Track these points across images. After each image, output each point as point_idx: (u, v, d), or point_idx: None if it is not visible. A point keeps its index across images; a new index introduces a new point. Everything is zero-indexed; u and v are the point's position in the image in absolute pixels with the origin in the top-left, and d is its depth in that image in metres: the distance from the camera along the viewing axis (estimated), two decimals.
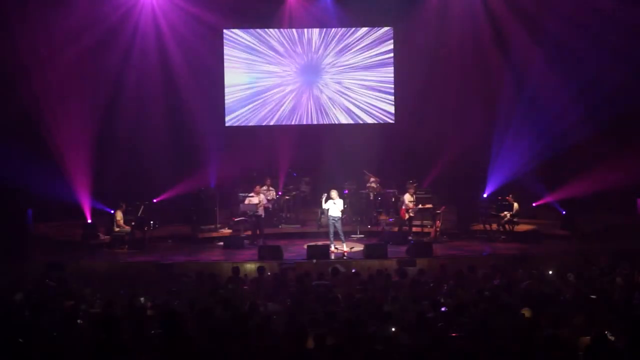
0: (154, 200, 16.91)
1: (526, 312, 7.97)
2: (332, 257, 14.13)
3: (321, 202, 14.61)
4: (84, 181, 16.65)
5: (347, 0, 19.30)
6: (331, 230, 14.42)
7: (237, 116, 19.98)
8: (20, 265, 13.44)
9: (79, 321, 7.87)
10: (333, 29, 19.80)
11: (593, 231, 15.97)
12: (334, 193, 14.51)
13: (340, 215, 14.44)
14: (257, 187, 15.63)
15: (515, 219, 15.61)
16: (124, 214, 15.26)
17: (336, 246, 14.48)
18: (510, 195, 15.73)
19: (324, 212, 16.50)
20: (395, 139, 19.30)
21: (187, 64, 18.98)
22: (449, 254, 14.24)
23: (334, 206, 14.38)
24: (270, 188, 16.58)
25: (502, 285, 9.88)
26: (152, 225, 15.25)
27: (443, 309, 8.31)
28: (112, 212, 15.77)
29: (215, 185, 17.34)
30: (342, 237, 14.48)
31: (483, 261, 12.83)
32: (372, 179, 17.35)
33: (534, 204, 17.45)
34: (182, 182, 17.52)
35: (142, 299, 9.32)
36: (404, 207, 15.70)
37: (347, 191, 17.03)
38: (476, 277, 10.88)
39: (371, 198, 17.09)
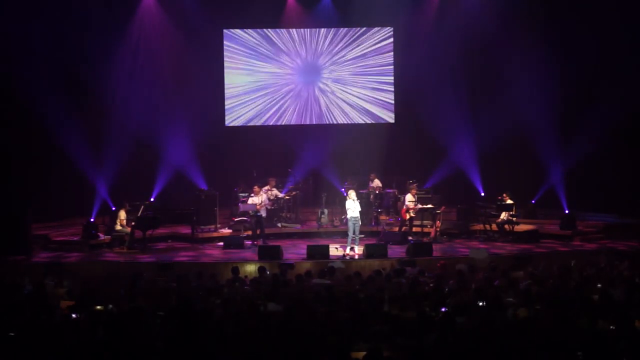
0: (152, 199, 16.98)
1: (522, 312, 7.98)
2: (345, 256, 14.13)
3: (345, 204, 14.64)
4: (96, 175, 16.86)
5: (347, 0, 19.31)
6: (351, 231, 14.35)
7: (237, 116, 19.98)
8: (20, 265, 13.47)
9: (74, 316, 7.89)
10: (333, 29, 19.81)
11: (593, 231, 15.99)
12: (352, 194, 14.52)
13: (359, 216, 14.44)
14: (257, 187, 15.61)
15: (514, 219, 15.61)
16: (127, 213, 15.25)
17: (352, 246, 14.45)
18: (505, 194, 15.74)
19: (325, 213, 16.61)
20: (395, 139, 19.30)
21: (187, 64, 19.00)
22: (449, 254, 14.24)
23: (355, 207, 14.37)
24: (273, 188, 16.56)
25: (502, 286, 9.88)
26: (154, 222, 15.22)
27: (443, 309, 8.31)
28: (114, 209, 15.85)
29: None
30: (357, 239, 14.44)
31: (484, 260, 12.83)
32: (375, 180, 17.39)
33: (533, 201, 17.51)
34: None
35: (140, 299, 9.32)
36: (405, 207, 15.73)
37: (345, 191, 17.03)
38: (476, 277, 10.88)
39: (371, 198, 17.09)
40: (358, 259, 13.96)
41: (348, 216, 14.47)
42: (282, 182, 17.46)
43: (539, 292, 9.18)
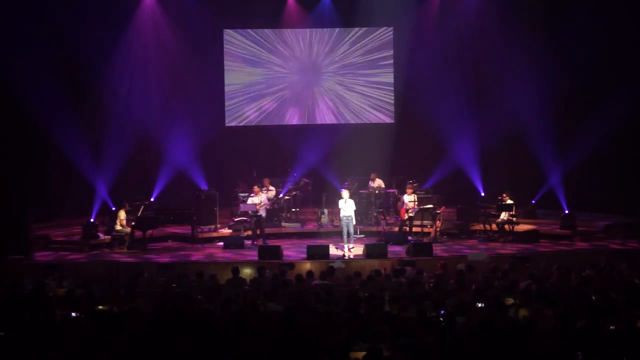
0: (152, 199, 16.98)
1: (523, 312, 7.98)
2: (344, 256, 14.13)
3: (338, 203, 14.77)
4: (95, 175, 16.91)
5: (347, 1, 19.30)
6: (344, 230, 14.45)
7: (237, 116, 19.98)
8: (20, 265, 13.48)
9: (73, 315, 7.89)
10: (333, 29, 19.79)
11: (592, 231, 15.99)
12: (345, 193, 14.59)
13: (352, 215, 14.48)
14: (257, 187, 15.66)
15: (514, 219, 15.61)
16: (127, 213, 15.27)
17: (349, 246, 14.48)
18: (505, 194, 15.73)
19: (325, 213, 16.63)
20: (395, 139, 19.30)
21: (187, 64, 18.99)
22: (449, 254, 14.24)
23: (346, 206, 14.42)
24: (270, 188, 16.57)
25: (502, 286, 9.89)
26: (154, 222, 15.22)
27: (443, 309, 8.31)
28: (114, 209, 15.86)
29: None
30: (352, 238, 14.52)
31: (483, 261, 12.83)
32: (377, 180, 17.36)
33: (533, 201, 17.51)
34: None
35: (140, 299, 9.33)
36: (403, 207, 15.75)
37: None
38: (476, 277, 10.89)
39: (372, 198, 17.09)
40: (358, 259, 13.96)
41: (340, 215, 14.56)
42: (282, 182, 17.46)
43: (539, 292, 9.19)
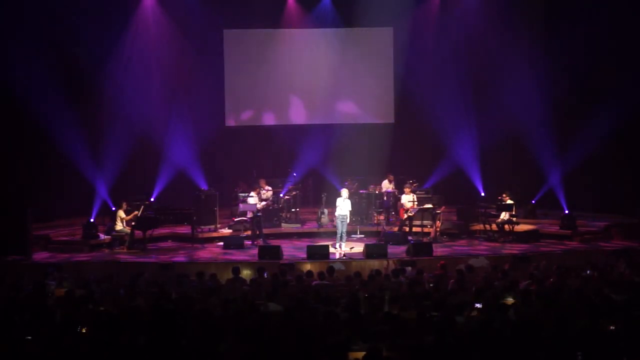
0: (152, 199, 16.99)
1: (522, 312, 8.00)
2: (336, 256, 14.13)
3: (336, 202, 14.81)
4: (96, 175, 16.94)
5: (347, 1, 19.30)
6: (339, 229, 14.49)
7: (237, 116, 19.98)
8: (20, 265, 13.48)
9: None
10: (333, 29, 19.78)
11: (592, 231, 16.00)
12: (344, 192, 14.66)
13: (347, 214, 14.50)
14: (258, 188, 15.71)
15: (514, 219, 15.61)
16: (125, 213, 15.27)
17: (340, 243, 14.49)
18: (505, 194, 15.74)
19: (325, 213, 16.64)
20: (395, 139, 19.30)
21: (187, 64, 19.00)
22: (449, 254, 14.24)
23: (343, 204, 14.47)
24: (267, 188, 16.57)
25: (502, 286, 9.89)
26: (154, 222, 15.23)
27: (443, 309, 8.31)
28: (114, 209, 15.86)
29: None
30: (344, 238, 14.53)
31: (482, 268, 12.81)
32: (392, 180, 17.33)
33: (533, 201, 17.52)
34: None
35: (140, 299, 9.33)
36: (402, 208, 15.76)
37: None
38: (476, 278, 10.89)
39: (372, 198, 17.09)
40: (358, 259, 13.95)
41: (336, 214, 14.58)
42: (282, 182, 17.45)
43: (539, 292, 9.19)
